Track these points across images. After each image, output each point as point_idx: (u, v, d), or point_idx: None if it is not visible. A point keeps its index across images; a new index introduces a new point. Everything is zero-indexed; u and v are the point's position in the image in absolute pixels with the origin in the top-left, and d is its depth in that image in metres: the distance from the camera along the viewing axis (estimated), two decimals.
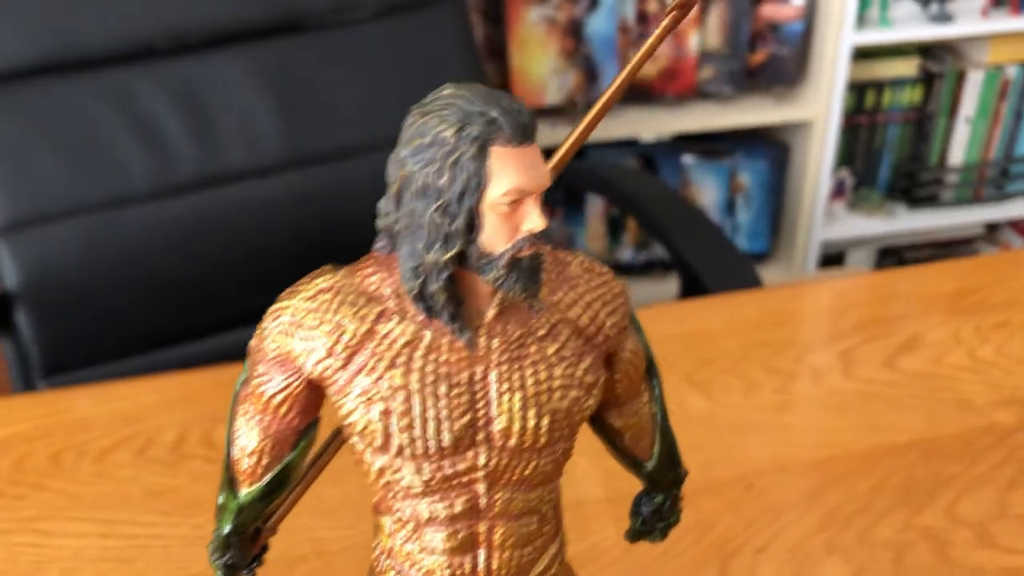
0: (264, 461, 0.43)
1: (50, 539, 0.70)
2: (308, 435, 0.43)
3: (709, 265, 1.15)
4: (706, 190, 1.94)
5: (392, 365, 0.38)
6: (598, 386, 0.41)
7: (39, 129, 1.18)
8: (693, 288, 1.14)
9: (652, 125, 1.80)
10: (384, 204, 0.38)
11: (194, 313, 1.24)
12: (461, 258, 0.37)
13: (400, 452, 0.39)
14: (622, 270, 1.97)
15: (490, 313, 0.39)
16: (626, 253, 1.97)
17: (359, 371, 0.38)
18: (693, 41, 1.76)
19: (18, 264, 1.17)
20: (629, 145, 1.88)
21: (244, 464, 0.43)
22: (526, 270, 0.38)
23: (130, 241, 1.21)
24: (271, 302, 0.41)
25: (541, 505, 0.42)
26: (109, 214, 1.20)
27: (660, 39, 0.43)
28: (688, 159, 1.91)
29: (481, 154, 0.36)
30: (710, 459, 0.75)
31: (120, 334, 1.23)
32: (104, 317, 1.21)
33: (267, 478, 0.43)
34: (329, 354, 0.39)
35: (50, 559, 0.68)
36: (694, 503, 0.65)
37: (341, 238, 1.30)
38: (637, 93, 1.78)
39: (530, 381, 0.39)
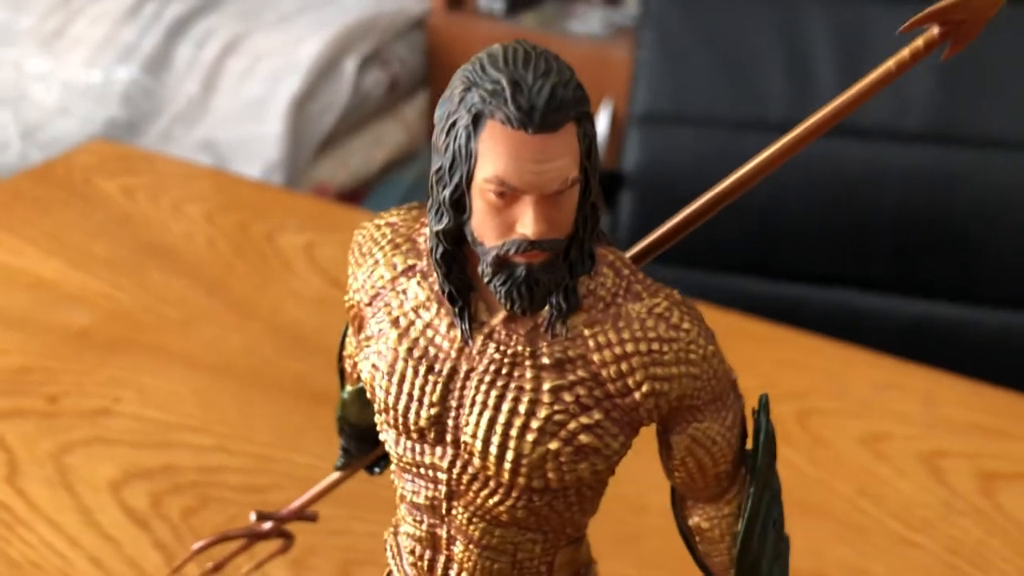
0: (355, 373, 0.43)
1: None
2: None
3: None
4: None
5: (395, 324, 0.35)
6: (602, 455, 0.33)
7: (706, 36, 1.24)
8: None
9: None
10: None
11: (767, 252, 1.23)
12: (462, 238, 0.33)
13: (383, 412, 0.36)
14: None
15: (500, 315, 0.34)
16: None
17: (374, 315, 0.36)
18: None
19: (641, 151, 1.28)
20: None
21: (346, 364, 0.44)
22: (518, 280, 0.32)
23: (743, 161, 1.23)
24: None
25: (516, 551, 0.36)
26: (733, 133, 1.23)
27: (882, 82, 0.33)
28: None
29: (475, 126, 0.30)
30: None
31: (695, 245, 1.27)
32: None
33: (358, 386, 0.43)
34: (362, 286, 0.37)
35: None
36: None
37: (953, 225, 1.15)
38: None
39: (506, 407, 0.33)
